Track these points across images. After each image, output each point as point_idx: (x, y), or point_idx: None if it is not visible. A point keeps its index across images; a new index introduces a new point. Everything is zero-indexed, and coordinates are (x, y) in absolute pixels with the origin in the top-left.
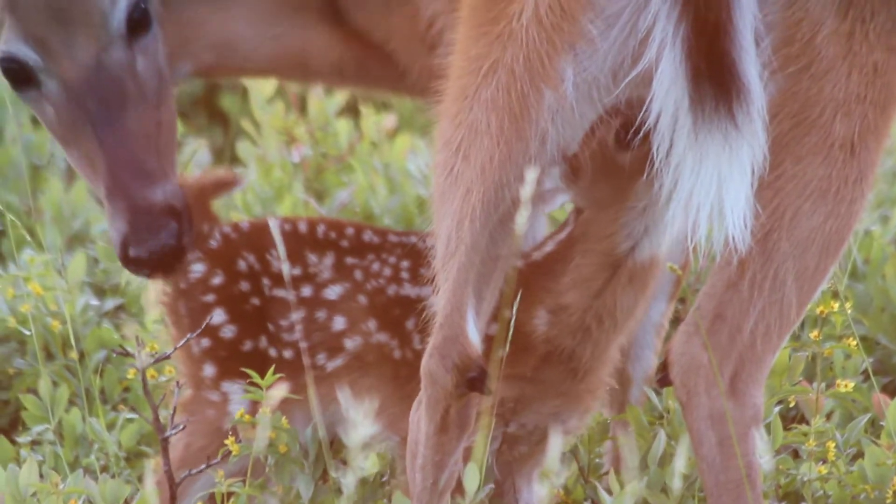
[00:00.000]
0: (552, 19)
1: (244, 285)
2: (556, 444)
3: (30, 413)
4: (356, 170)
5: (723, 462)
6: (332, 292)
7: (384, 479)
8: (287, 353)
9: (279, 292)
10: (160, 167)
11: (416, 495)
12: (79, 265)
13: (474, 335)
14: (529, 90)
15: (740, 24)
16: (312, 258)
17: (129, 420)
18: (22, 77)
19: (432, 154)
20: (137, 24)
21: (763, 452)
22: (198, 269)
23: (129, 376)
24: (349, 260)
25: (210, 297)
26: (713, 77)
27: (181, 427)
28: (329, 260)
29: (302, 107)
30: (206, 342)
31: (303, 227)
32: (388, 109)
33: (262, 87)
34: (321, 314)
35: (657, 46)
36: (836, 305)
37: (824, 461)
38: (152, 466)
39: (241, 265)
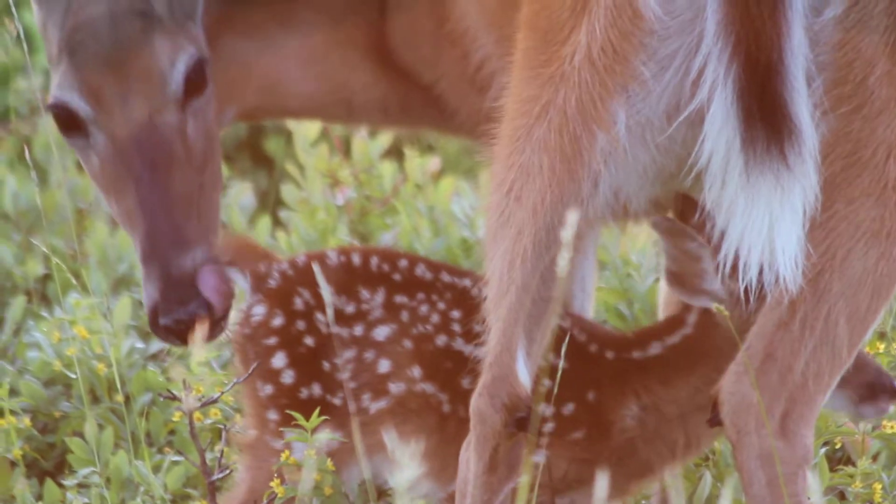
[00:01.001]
0: (605, 61)
1: (300, 324)
2: (602, 485)
3: (76, 456)
4: (400, 212)
5: (773, 502)
6: (381, 333)
7: None
8: (338, 399)
9: (334, 330)
10: (198, 232)
11: None
12: (124, 308)
13: (524, 375)
14: (582, 132)
15: (791, 65)
16: (365, 294)
17: (175, 463)
18: (71, 124)
19: (478, 196)
20: (195, 86)
21: (812, 493)
22: (258, 311)
23: (175, 419)
24: (398, 298)
25: (272, 341)
26: (765, 117)
27: (228, 471)
28: (380, 297)
29: (346, 149)
30: (269, 388)
31: (356, 260)
32: (433, 152)
33: (306, 130)
34: (369, 355)
35: (709, 87)
36: (883, 346)
37: (871, 503)
38: None
39: (298, 303)
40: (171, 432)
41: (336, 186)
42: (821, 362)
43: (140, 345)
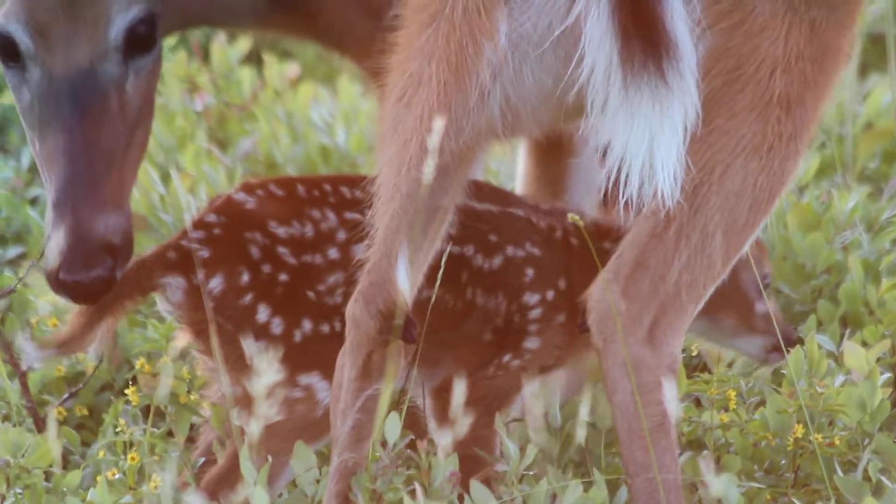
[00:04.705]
0: None
1: (267, 268)
2: (459, 391)
3: None
4: (259, 118)
5: (636, 409)
6: (360, 250)
7: None
8: (327, 327)
9: (306, 258)
10: (114, 193)
11: (336, 440)
12: None
13: (404, 283)
14: (468, 41)
15: None
16: (317, 215)
17: (31, 369)
18: (10, 54)
19: (337, 103)
20: (141, 42)
21: (668, 400)
22: (216, 282)
23: (32, 322)
24: (349, 215)
25: (248, 298)
26: (640, 34)
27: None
28: (333, 218)
29: (204, 55)
30: (261, 345)
31: (279, 191)
32: (292, 58)
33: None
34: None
35: (584, 1)
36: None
37: (726, 409)
38: (54, 414)
39: (253, 251)
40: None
41: (194, 92)
42: (695, 273)
43: None
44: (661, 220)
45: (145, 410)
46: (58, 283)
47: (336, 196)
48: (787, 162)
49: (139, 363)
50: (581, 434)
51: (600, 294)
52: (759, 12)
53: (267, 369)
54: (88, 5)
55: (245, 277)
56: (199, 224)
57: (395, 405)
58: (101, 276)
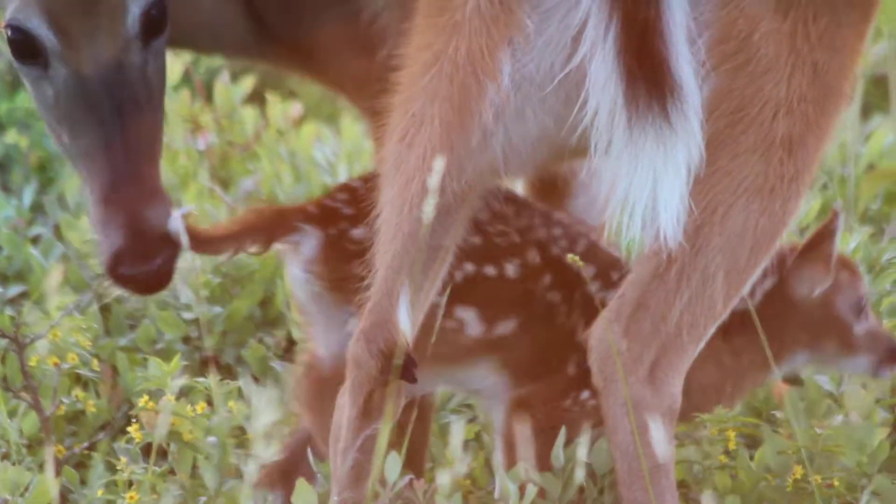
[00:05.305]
0: (492, 12)
1: None
2: (458, 432)
3: None
4: (262, 158)
5: (636, 450)
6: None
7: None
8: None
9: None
10: (157, 182)
11: (335, 479)
12: None
13: (405, 323)
14: (471, 82)
15: (671, 22)
16: None
17: (31, 407)
18: (29, 51)
19: (340, 142)
20: (156, 25)
21: (669, 441)
22: (359, 232)
23: (32, 363)
24: None
25: None
26: (645, 75)
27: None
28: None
29: (208, 94)
30: None
31: None
32: (295, 97)
33: (168, 74)
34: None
35: (590, 43)
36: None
37: (726, 451)
38: (52, 453)
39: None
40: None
41: (197, 131)
42: (696, 314)
43: None
44: (662, 261)
45: (147, 448)
46: (120, 278)
47: None
48: (789, 203)
49: (142, 401)
50: (580, 474)
51: (601, 334)
52: (763, 54)
53: (265, 408)
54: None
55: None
56: (343, 188)
57: (396, 444)
58: (162, 267)
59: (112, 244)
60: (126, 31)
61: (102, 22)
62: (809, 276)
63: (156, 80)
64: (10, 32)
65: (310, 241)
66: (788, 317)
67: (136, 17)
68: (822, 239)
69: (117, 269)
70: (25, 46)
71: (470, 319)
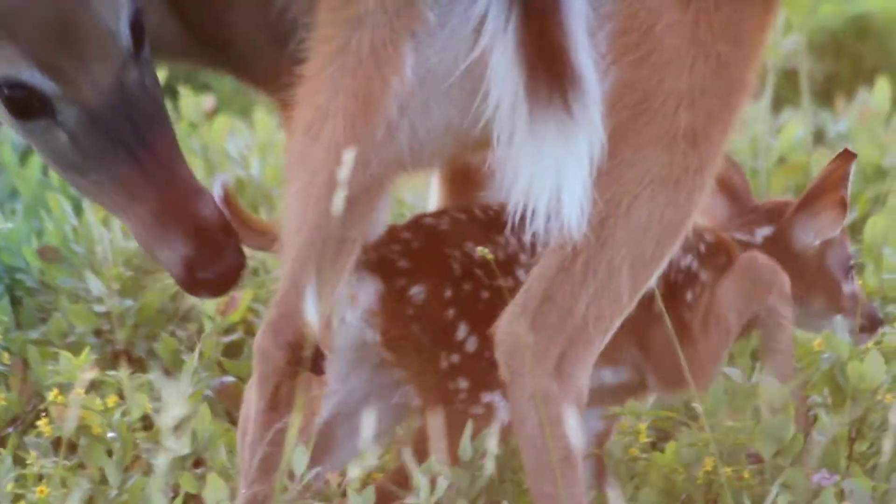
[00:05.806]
0: (394, 5)
1: (467, 286)
2: (369, 424)
3: None
4: None
5: (544, 442)
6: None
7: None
8: None
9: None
10: (192, 179)
11: (244, 473)
12: None
13: (312, 314)
14: (375, 74)
15: (570, 13)
16: (501, 239)
17: None
18: (29, 106)
19: (253, 135)
20: (140, 35)
21: (574, 430)
22: (417, 290)
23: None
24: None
25: (451, 313)
26: (545, 66)
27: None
28: (514, 240)
29: None
30: (455, 358)
31: (465, 216)
32: (208, 90)
33: None
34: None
35: (490, 35)
36: None
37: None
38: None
39: (455, 267)
40: None
41: None
42: (602, 306)
43: None
44: (568, 254)
45: (57, 442)
46: (199, 284)
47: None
48: (694, 195)
49: (52, 394)
50: (490, 466)
51: (508, 327)
52: (665, 46)
53: (176, 401)
54: (82, 24)
55: (448, 292)
56: (394, 238)
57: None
58: (234, 260)
59: (180, 255)
60: (119, 50)
61: (89, 49)
62: (820, 222)
63: (154, 87)
64: (7, 91)
65: (368, 291)
66: (785, 267)
67: (126, 34)
68: (832, 184)
69: (195, 277)
70: (27, 101)
71: None
